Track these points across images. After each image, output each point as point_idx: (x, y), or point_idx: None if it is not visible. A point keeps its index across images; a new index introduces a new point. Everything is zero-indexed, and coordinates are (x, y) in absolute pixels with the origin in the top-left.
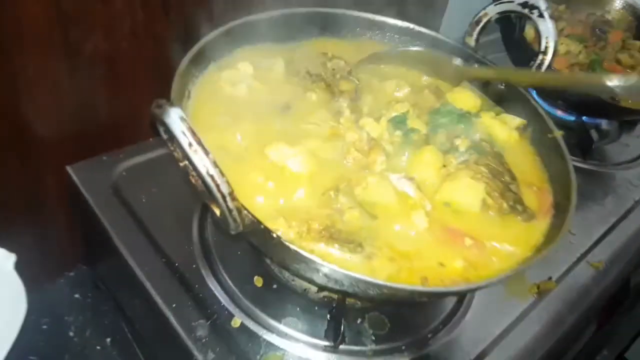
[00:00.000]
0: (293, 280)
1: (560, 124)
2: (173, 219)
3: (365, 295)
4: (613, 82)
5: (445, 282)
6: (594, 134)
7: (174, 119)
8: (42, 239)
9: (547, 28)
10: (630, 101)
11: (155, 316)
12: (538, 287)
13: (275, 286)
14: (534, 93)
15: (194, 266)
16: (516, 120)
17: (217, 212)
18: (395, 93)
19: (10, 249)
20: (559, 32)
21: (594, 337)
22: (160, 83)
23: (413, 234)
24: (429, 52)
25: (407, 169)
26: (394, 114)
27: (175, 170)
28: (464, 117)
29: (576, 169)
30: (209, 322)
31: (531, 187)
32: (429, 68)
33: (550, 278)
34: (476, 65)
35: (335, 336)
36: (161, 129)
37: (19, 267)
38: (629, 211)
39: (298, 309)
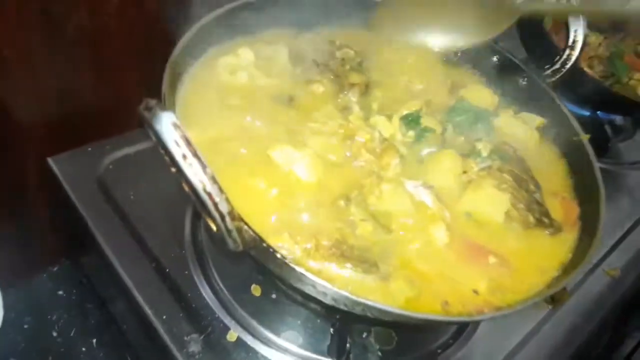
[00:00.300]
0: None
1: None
2: (163, 218)
3: (379, 319)
4: None
5: (468, 306)
6: (608, 130)
7: (166, 125)
8: (23, 231)
9: (578, 20)
10: None
11: (144, 327)
12: (552, 298)
13: (274, 295)
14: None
15: (186, 272)
16: (537, 119)
17: (214, 227)
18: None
19: None
20: None
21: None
22: (151, 67)
23: (433, 251)
24: None
25: (423, 174)
26: (405, 112)
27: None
28: (481, 115)
29: None
30: (202, 336)
31: (556, 195)
32: (465, 21)
33: (564, 288)
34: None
35: (339, 353)
36: (150, 133)
37: None
38: None
39: (299, 321)
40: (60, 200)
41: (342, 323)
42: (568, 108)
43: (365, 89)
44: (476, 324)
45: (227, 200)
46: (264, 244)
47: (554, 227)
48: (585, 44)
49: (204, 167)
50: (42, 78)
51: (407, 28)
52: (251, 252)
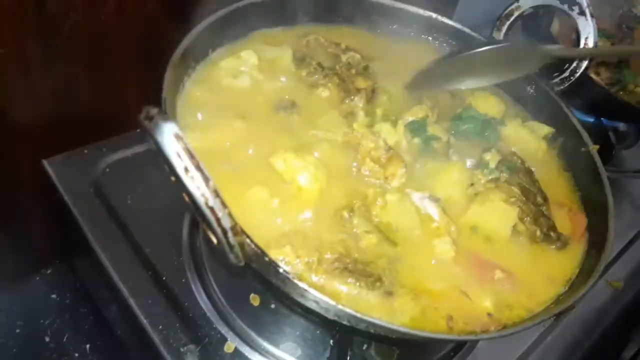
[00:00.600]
0: None
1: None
2: (161, 224)
3: (383, 335)
4: None
5: (472, 323)
6: (612, 137)
7: (168, 136)
8: (16, 232)
9: (589, 27)
10: None
11: (140, 336)
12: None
13: (273, 305)
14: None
15: (183, 280)
16: (545, 129)
17: (214, 240)
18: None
19: None
20: None
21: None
22: (151, 67)
23: (438, 265)
24: (508, 48)
25: (429, 185)
26: (411, 119)
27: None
28: (488, 123)
29: None
30: (199, 347)
31: (562, 207)
32: (498, 68)
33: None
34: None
35: None
36: (151, 142)
37: None
38: None
39: (298, 332)
40: (55, 203)
41: (342, 334)
42: (577, 117)
43: (372, 94)
44: None
45: (230, 215)
46: (266, 259)
47: (561, 242)
48: None
49: (206, 180)
50: (37, 78)
51: (443, 85)
52: (253, 265)
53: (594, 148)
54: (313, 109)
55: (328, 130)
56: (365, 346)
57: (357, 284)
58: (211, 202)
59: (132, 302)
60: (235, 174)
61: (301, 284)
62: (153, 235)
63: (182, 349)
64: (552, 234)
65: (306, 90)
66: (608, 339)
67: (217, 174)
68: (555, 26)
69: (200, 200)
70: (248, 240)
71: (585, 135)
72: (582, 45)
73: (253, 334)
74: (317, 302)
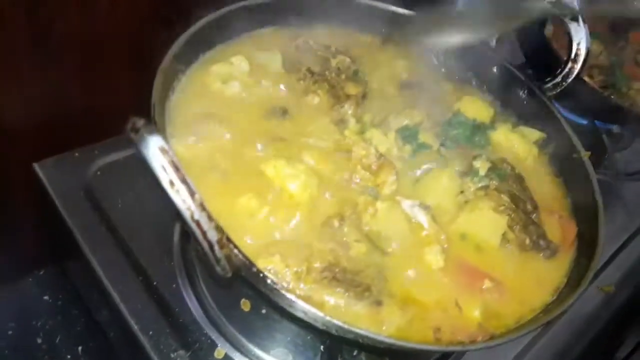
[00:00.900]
0: None
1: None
2: (152, 228)
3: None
4: None
5: (459, 333)
6: (605, 140)
7: (153, 149)
8: (8, 234)
9: (581, 32)
10: None
11: (130, 341)
12: None
13: (264, 311)
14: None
15: (174, 285)
16: (536, 134)
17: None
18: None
19: None
20: None
21: None
22: (142, 70)
23: (427, 275)
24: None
25: (420, 193)
26: (405, 121)
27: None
28: (478, 129)
29: None
30: (189, 352)
31: (553, 214)
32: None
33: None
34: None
35: None
36: (137, 152)
37: None
38: None
39: (289, 338)
40: (45, 206)
41: (332, 341)
42: (569, 123)
43: (362, 100)
44: None
45: (217, 227)
46: (254, 269)
47: (550, 250)
48: (588, 57)
49: (192, 193)
50: (27, 80)
51: (426, 39)
52: (241, 274)
53: (585, 155)
54: (304, 116)
55: (319, 137)
56: (355, 352)
57: (346, 293)
58: (197, 216)
59: (122, 307)
60: (225, 182)
61: (289, 295)
62: (144, 240)
63: (172, 355)
64: (541, 242)
65: (297, 97)
66: (599, 343)
67: (207, 181)
68: (549, 30)
69: (186, 214)
70: (236, 251)
71: (576, 141)
72: (574, 51)
73: (244, 340)
74: (305, 313)
